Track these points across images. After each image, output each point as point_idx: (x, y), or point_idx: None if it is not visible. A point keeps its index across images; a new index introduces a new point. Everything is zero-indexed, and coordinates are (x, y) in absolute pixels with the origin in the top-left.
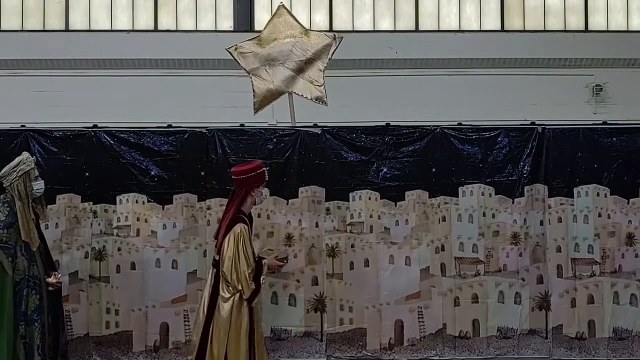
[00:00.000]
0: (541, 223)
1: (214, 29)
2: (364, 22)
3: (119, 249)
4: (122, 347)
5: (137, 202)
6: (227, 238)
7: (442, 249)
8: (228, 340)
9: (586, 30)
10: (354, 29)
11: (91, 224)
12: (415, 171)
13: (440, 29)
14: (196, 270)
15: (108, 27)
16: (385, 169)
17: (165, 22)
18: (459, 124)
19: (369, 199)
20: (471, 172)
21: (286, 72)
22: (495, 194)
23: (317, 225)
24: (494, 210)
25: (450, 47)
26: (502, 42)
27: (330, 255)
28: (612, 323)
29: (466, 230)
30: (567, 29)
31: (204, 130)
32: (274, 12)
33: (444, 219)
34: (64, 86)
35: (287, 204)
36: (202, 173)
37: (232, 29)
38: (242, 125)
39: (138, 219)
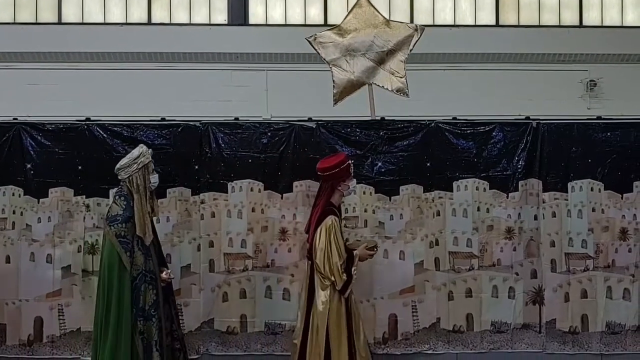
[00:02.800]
0: (535, 218)
1: (207, 22)
2: None
3: None
4: None
5: None
6: (318, 230)
7: (437, 243)
8: (328, 328)
9: (581, 25)
10: None
11: (84, 218)
12: (410, 166)
13: (435, 23)
14: (190, 264)
15: (101, 20)
16: (379, 164)
17: (159, 16)
18: (454, 118)
19: (364, 193)
20: (466, 166)
21: (367, 63)
22: (490, 189)
23: None
24: (489, 205)
25: (445, 42)
26: (497, 37)
27: None
28: (605, 317)
29: (460, 224)
30: (561, 24)
31: (197, 124)
32: (354, 2)
33: (438, 214)
34: (57, 79)
35: (282, 198)
36: (196, 167)
37: (226, 22)
38: (236, 119)
39: None
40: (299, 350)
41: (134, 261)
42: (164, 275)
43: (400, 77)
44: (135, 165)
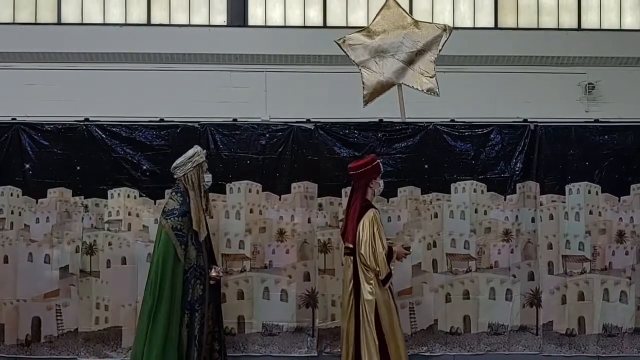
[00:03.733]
0: (533, 220)
1: (207, 23)
2: (357, 18)
3: (109, 244)
4: (110, 343)
5: (128, 196)
6: (361, 223)
7: (434, 245)
8: (380, 319)
9: (579, 28)
10: (348, 25)
11: (82, 218)
12: (408, 167)
13: None
14: None
15: (101, 21)
16: None
17: (159, 17)
18: (452, 120)
19: None
20: (463, 168)
21: (396, 64)
22: (487, 191)
23: (309, 221)
24: (486, 207)
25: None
26: (496, 39)
27: (322, 251)
28: (602, 320)
29: (458, 226)
30: (560, 27)
31: (196, 125)
32: (382, 4)
33: (436, 216)
34: (56, 80)
35: (280, 199)
36: None
37: (225, 23)
38: (234, 120)
39: (129, 214)
40: (354, 344)
41: (187, 255)
42: (213, 272)
43: (430, 77)
44: (190, 163)
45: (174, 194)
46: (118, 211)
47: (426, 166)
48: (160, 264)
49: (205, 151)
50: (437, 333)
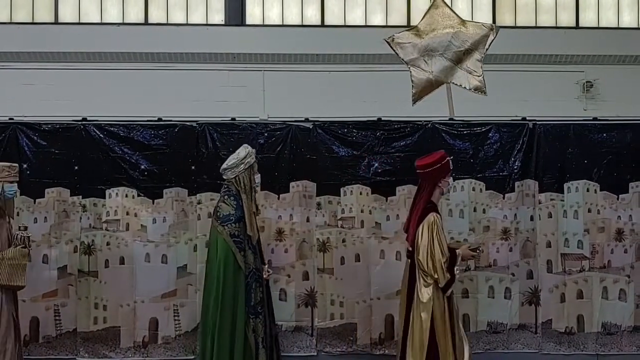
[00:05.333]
0: (531, 218)
1: (204, 22)
2: (355, 18)
3: (108, 244)
4: (109, 343)
5: (126, 196)
6: (420, 227)
7: None
8: (434, 324)
9: (577, 26)
10: (346, 24)
11: (80, 218)
12: (407, 166)
13: None
14: (186, 264)
15: (98, 20)
16: (376, 164)
17: (156, 16)
18: (450, 119)
19: (360, 193)
20: (462, 167)
21: (445, 63)
22: (486, 189)
23: (308, 220)
24: (485, 206)
25: None
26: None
27: (321, 250)
28: (601, 318)
29: (457, 225)
30: (558, 25)
31: (194, 124)
32: (430, 3)
33: None
34: (53, 79)
35: (278, 198)
36: (193, 167)
37: (223, 22)
38: (233, 119)
39: (127, 213)
40: (400, 347)
41: (245, 259)
42: (264, 274)
43: (478, 76)
44: (243, 165)
45: (226, 197)
46: (116, 211)
47: None
48: (221, 271)
49: (255, 151)
50: None
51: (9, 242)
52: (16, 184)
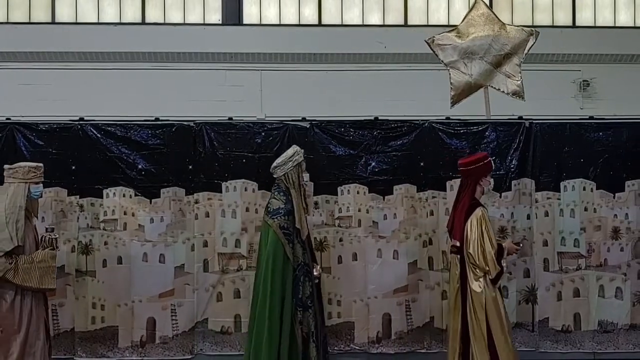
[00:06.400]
0: (528, 217)
1: (201, 22)
2: (352, 17)
3: (105, 243)
4: (107, 342)
5: (124, 195)
6: (469, 221)
7: (430, 242)
8: (489, 320)
9: (574, 25)
10: (343, 23)
11: (78, 218)
12: (404, 165)
13: (429, 23)
14: (184, 264)
15: (95, 20)
16: (373, 163)
17: (153, 15)
18: (447, 118)
19: (357, 192)
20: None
21: (484, 66)
22: None
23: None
24: None
25: None
26: None
27: (318, 249)
28: (598, 316)
29: None
30: (554, 24)
31: (191, 124)
32: (471, 5)
33: (431, 213)
34: (50, 79)
35: None
36: (190, 167)
37: (220, 22)
38: (230, 119)
39: (125, 213)
40: (460, 341)
41: (294, 252)
42: (315, 272)
43: (517, 81)
44: (291, 163)
45: (276, 193)
46: (114, 210)
47: (422, 164)
48: (270, 263)
49: (302, 150)
50: (433, 330)
51: (36, 244)
52: (41, 185)
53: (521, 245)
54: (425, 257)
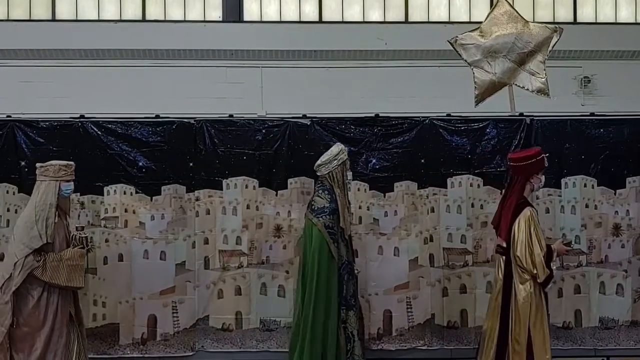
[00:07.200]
0: None
1: (202, 19)
2: (353, 14)
3: (106, 241)
4: (108, 339)
5: (124, 193)
6: (517, 222)
7: (431, 239)
8: (530, 324)
9: (575, 22)
10: (344, 20)
11: (78, 215)
12: (404, 162)
13: (430, 20)
14: (185, 261)
15: (95, 17)
16: (374, 160)
17: (153, 12)
18: (448, 115)
19: (358, 190)
20: (460, 163)
21: (508, 64)
22: (484, 185)
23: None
24: (483, 201)
25: (439, 39)
26: None
27: None
28: (599, 313)
29: (455, 221)
30: (555, 20)
31: (192, 121)
32: (494, 4)
33: (432, 210)
34: (51, 76)
35: (276, 195)
36: (191, 164)
37: (220, 19)
38: (230, 116)
39: (126, 210)
40: (496, 344)
41: (339, 251)
42: (355, 271)
43: (541, 78)
44: (336, 161)
45: (320, 191)
46: (114, 208)
47: (422, 161)
48: (315, 262)
49: (346, 148)
50: (434, 327)
51: (66, 242)
52: (72, 183)
53: (572, 246)
54: (426, 254)
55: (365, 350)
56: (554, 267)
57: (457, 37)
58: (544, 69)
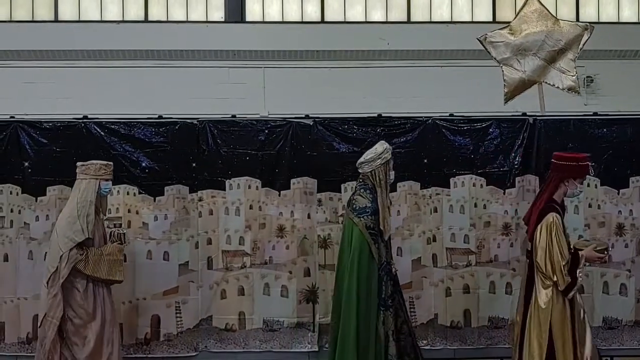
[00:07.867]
0: None
1: (204, 19)
2: (355, 14)
3: None
4: None
5: (128, 193)
6: (538, 228)
7: (434, 239)
8: (551, 328)
9: (577, 21)
10: (346, 20)
11: None
12: (407, 162)
13: (432, 20)
14: (188, 262)
15: (98, 18)
16: None
17: (156, 13)
18: (451, 115)
19: None
20: (462, 163)
21: (538, 62)
22: (487, 185)
23: (309, 217)
24: (485, 201)
25: (442, 38)
26: None
27: (322, 246)
28: (602, 313)
29: (457, 221)
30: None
31: (195, 122)
32: (523, 2)
33: (435, 210)
34: (54, 77)
35: (279, 195)
36: (194, 164)
37: (223, 19)
38: (233, 116)
39: (129, 211)
40: (518, 349)
41: (379, 252)
42: (393, 270)
43: (572, 76)
44: (380, 160)
45: (362, 190)
46: (118, 208)
47: (425, 161)
48: (356, 263)
49: (390, 148)
50: (437, 327)
51: (104, 238)
52: (111, 182)
53: (606, 253)
54: (429, 254)
55: (418, 349)
56: (580, 275)
57: (486, 34)
58: (575, 67)
